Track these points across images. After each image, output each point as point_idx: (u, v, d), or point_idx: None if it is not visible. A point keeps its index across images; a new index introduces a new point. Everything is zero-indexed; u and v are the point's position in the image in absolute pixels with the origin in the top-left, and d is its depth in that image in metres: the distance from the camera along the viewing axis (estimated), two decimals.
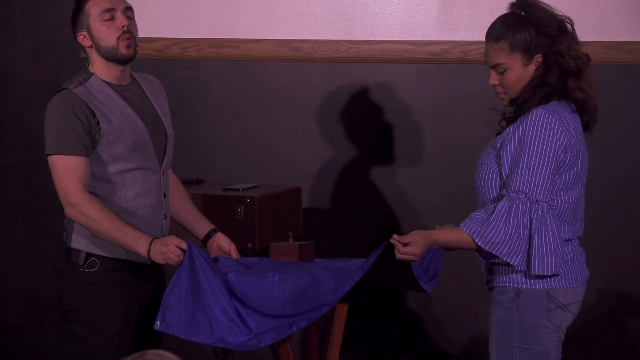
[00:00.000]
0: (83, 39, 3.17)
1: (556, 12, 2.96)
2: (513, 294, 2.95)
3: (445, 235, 2.98)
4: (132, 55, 3.16)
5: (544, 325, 2.94)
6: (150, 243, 3.02)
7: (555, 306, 2.94)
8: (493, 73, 2.99)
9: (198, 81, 4.56)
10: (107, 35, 3.13)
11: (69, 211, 3.08)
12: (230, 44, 4.50)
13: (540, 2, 2.97)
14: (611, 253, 4.19)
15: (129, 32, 3.14)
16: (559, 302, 2.94)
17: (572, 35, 2.96)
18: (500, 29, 2.95)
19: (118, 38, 3.13)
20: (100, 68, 3.17)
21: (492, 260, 3.00)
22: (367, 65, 4.37)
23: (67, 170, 3.06)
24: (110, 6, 3.13)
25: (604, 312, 4.23)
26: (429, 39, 4.31)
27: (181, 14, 4.54)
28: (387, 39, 4.35)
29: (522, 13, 2.96)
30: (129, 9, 3.18)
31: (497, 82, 2.99)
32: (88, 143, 3.08)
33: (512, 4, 2.98)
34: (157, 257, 3.02)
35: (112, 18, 3.13)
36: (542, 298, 2.93)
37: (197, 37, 4.52)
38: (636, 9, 4.11)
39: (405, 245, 2.95)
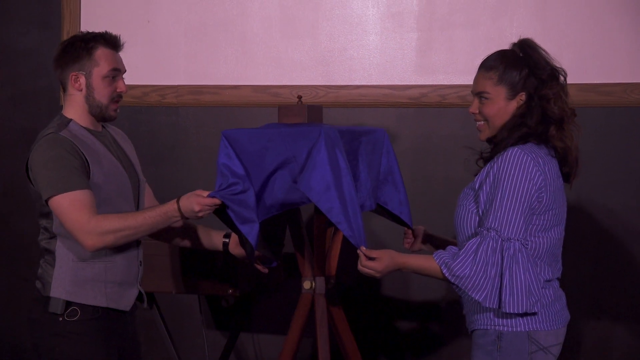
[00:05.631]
0: (75, 79, 3.14)
1: (553, 60, 3.00)
2: (494, 336, 2.95)
3: (417, 260, 2.98)
4: (116, 117, 3.21)
5: None
6: (179, 210, 3.06)
7: (537, 348, 2.94)
8: (475, 101, 3.02)
9: (177, 127, 4.56)
10: (105, 92, 3.14)
11: (89, 243, 3.01)
12: (209, 90, 4.51)
13: (540, 47, 3.01)
14: (592, 295, 4.20)
15: (121, 97, 3.17)
16: (541, 344, 2.94)
17: (563, 87, 2.99)
18: (494, 60, 3.00)
19: (112, 99, 3.15)
20: (79, 113, 3.17)
21: (467, 298, 3.00)
22: (346, 109, 4.39)
23: (75, 204, 3.01)
24: (118, 67, 3.16)
25: (584, 355, 4.23)
26: (407, 83, 4.33)
27: (160, 61, 4.55)
28: (366, 84, 4.37)
29: (520, 54, 3.00)
30: (124, 72, 3.22)
31: (477, 111, 3.02)
32: (86, 179, 3.06)
33: (514, 44, 3.03)
34: (196, 217, 3.08)
35: (114, 78, 3.15)
36: (524, 341, 2.93)
37: (176, 84, 4.53)
38: (611, 52, 4.14)
39: (370, 259, 2.95)
